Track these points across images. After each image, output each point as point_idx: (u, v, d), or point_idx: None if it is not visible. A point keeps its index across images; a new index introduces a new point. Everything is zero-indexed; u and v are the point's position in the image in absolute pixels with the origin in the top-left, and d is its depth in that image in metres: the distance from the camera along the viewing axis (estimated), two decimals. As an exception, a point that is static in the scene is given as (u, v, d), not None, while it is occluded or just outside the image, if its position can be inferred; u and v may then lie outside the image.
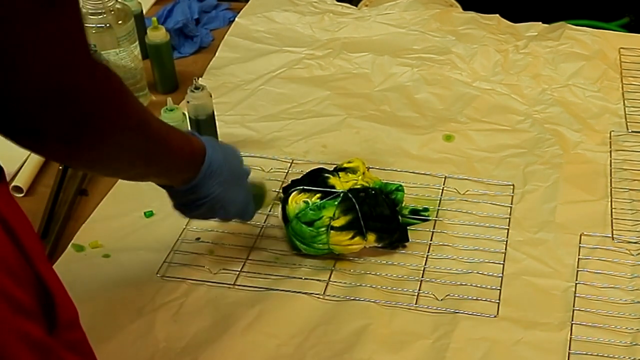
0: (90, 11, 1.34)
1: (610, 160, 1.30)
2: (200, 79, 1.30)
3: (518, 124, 1.39)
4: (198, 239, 1.17)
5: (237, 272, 1.12)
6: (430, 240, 1.16)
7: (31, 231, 0.73)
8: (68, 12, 0.66)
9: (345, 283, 1.10)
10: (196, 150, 0.96)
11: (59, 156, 0.80)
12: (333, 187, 1.13)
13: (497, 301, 1.07)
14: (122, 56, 1.38)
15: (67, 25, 0.66)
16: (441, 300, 1.07)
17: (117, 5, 1.37)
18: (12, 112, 0.65)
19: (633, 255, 1.13)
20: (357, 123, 1.39)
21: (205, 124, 1.27)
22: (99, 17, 1.34)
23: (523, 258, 1.13)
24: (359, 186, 1.14)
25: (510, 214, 1.20)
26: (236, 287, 1.10)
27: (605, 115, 1.40)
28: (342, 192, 1.12)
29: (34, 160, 1.29)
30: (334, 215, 1.09)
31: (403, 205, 1.18)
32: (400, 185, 1.17)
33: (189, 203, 1.00)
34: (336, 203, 1.10)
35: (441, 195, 1.23)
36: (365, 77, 1.51)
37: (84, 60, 0.68)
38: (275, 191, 1.22)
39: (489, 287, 1.09)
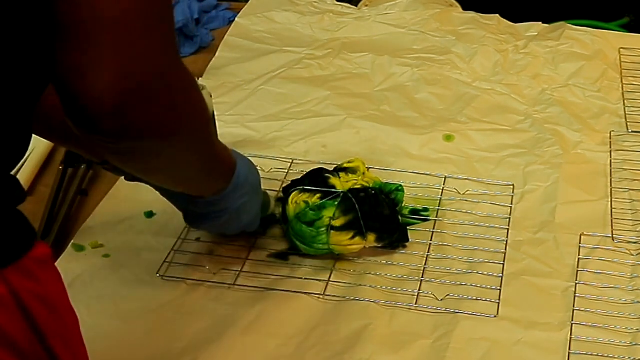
0: (90, 11, 1.34)
1: (610, 160, 1.30)
2: (200, 79, 1.30)
3: (518, 124, 1.39)
4: (198, 239, 1.17)
5: (237, 272, 1.12)
6: (430, 240, 1.16)
7: (58, 305, 0.71)
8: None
9: (345, 283, 1.10)
10: (232, 160, 0.97)
11: (131, 152, 0.72)
12: (334, 187, 1.13)
13: (497, 301, 1.06)
14: (122, 56, 1.38)
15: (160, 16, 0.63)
16: (441, 300, 1.07)
17: (117, 5, 1.37)
18: (91, 106, 0.62)
19: (633, 255, 1.13)
20: (357, 123, 1.39)
21: (205, 124, 1.27)
22: (99, 17, 1.34)
23: (523, 258, 1.13)
24: (359, 186, 1.14)
25: (510, 214, 1.20)
26: (236, 287, 1.10)
27: (605, 115, 1.40)
28: (342, 192, 1.12)
29: (34, 160, 1.29)
30: (334, 215, 1.09)
31: (403, 205, 1.18)
32: (400, 185, 1.17)
33: (210, 214, 1.01)
34: (336, 203, 1.10)
35: (441, 195, 1.23)
36: (365, 77, 1.51)
37: (172, 54, 0.66)
38: (275, 191, 1.22)
39: (489, 287, 1.09)
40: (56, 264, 1.11)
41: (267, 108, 1.44)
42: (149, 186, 1.18)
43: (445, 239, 1.16)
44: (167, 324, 1.05)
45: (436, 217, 1.20)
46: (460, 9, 1.75)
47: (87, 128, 0.64)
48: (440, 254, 1.14)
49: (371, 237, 1.11)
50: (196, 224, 1.06)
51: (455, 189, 1.25)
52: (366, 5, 1.79)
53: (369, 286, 1.09)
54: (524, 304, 1.06)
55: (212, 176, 0.95)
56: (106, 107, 0.62)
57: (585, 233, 1.16)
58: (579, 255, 1.13)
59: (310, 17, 1.67)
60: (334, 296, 1.08)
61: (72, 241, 1.16)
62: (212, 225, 1.04)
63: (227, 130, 1.35)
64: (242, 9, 1.70)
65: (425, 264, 1.12)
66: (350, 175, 1.15)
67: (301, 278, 1.11)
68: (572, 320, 1.04)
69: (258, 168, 1.26)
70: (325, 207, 1.10)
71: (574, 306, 1.06)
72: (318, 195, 1.11)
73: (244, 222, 1.06)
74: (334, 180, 1.14)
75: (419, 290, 1.08)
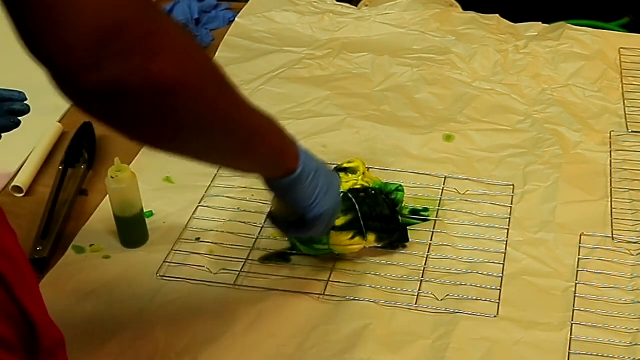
0: (90, 11, 1.34)
1: (610, 160, 1.30)
2: (200, 79, 1.29)
3: (518, 124, 1.39)
4: (198, 239, 1.17)
5: (237, 272, 1.12)
6: (430, 240, 1.16)
7: (17, 257, 0.71)
8: None
9: (345, 283, 1.10)
10: (284, 134, 0.92)
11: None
12: (333, 187, 1.13)
13: (497, 301, 1.06)
14: (122, 56, 1.38)
15: None
16: (441, 300, 1.07)
17: (117, 6, 1.37)
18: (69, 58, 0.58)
19: (633, 255, 1.13)
20: (357, 123, 1.39)
21: (205, 124, 1.27)
22: (99, 17, 1.34)
23: (523, 258, 1.13)
24: (359, 186, 1.14)
25: (510, 214, 1.20)
26: (236, 287, 1.10)
27: (605, 115, 1.40)
28: (342, 192, 1.12)
29: (34, 160, 1.29)
30: (334, 215, 1.09)
31: (403, 205, 1.18)
32: (400, 186, 1.17)
33: (308, 194, 0.93)
34: (336, 203, 1.10)
35: (441, 195, 1.23)
36: (365, 77, 1.51)
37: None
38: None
39: (489, 287, 1.09)
40: (57, 265, 1.13)
41: (267, 108, 1.41)
42: (147, 186, 1.19)
43: (445, 239, 1.16)
44: (167, 324, 1.05)
45: (436, 217, 1.20)
46: (460, 9, 1.75)
47: (63, 81, 0.60)
48: (440, 254, 1.14)
49: (371, 237, 1.11)
50: (295, 227, 0.97)
51: (455, 189, 1.25)
52: (366, 5, 1.79)
53: (369, 286, 1.09)
54: (524, 304, 1.06)
55: (255, 140, 0.88)
56: (81, 54, 0.58)
57: (585, 233, 1.16)
58: (579, 255, 1.13)
59: (310, 17, 1.67)
60: (334, 296, 1.08)
61: (73, 243, 1.16)
62: (317, 205, 0.93)
63: (227, 131, 1.35)
64: (242, 9, 1.70)
65: (425, 264, 1.12)
66: (350, 175, 1.15)
67: (301, 278, 1.11)
68: (572, 320, 1.04)
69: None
70: (325, 207, 1.10)
71: (574, 306, 1.06)
72: (318, 196, 1.11)
73: (335, 190, 0.97)
74: (334, 181, 1.14)
75: (419, 290, 1.08)
